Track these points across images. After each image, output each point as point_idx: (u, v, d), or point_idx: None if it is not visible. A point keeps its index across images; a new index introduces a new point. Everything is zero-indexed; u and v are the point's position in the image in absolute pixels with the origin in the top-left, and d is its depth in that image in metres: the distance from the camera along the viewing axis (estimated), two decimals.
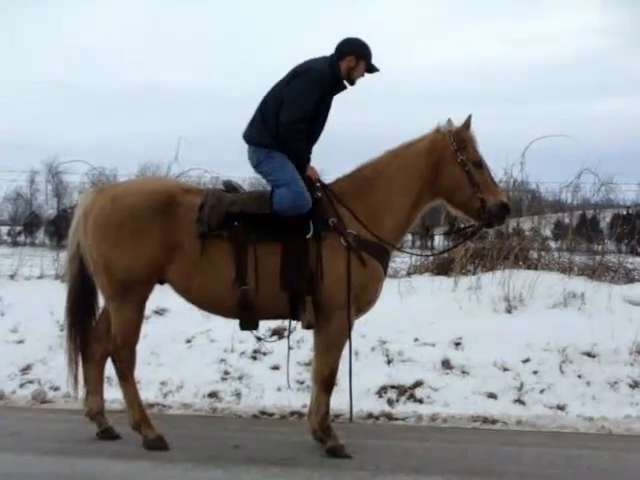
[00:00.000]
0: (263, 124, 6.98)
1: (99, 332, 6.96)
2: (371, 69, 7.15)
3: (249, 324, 6.71)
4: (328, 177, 7.19)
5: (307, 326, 6.52)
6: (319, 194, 6.74)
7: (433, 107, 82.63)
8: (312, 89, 6.88)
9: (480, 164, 6.84)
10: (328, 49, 7.14)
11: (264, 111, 7.03)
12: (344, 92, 7.20)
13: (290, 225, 6.55)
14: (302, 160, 6.93)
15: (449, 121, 6.96)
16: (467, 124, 6.85)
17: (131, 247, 6.50)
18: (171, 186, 6.95)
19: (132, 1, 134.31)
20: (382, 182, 6.82)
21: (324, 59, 7.10)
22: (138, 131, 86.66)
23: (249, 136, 7.08)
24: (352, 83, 7.15)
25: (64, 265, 8.67)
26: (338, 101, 7.12)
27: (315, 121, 7.04)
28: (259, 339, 7.44)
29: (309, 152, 7.08)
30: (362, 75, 7.15)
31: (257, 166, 7.06)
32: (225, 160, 14.89)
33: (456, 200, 6.91)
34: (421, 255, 12.72)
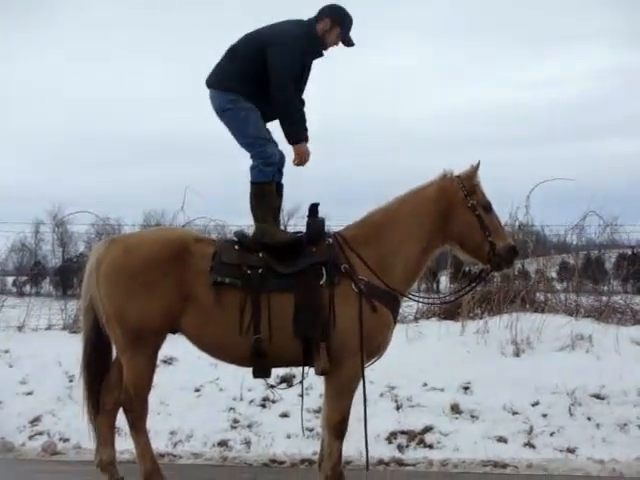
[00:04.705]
0: (230, 63, 7.04)
1: (110, 382, 6.91)
2: (345, 40, 7.15)
3: (262, 372, 6.67)
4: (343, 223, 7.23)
5: (321, 372, 6.51)
6: (330, 240, 6.77)
7: (435, 152, 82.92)
8: (291, 55, 6.88)
9: (489, 208, 6.88)
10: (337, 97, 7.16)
11: (232, 53, 7.09)
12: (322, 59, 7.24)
13: (303, 272, 6.57)
14: (298, 126, 6.96)
15: (449, 170, 6.99)
16: (475, 169, 6.90)
17: (144, 298, 6.49)
18: (183, 236, 6.97)
19: (131, 55, 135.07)
20: (392, 228, 6.81)
21: (301, 23, 7.10)
22: (139, 180, 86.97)
23: (212, 80, 7.13)
24: (324, 48, 7.17)
25: (79, 318, 8.70)
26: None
27: (296, 85, 7.06)
28: (272, 387, 7.42)
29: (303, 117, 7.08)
30: (335, 44, 7.15)
31: (221, 113, 7.10)
32: (227, 208, 15.00)
33: (467, 244, 6.90)
34: (432, 304, 12.67)
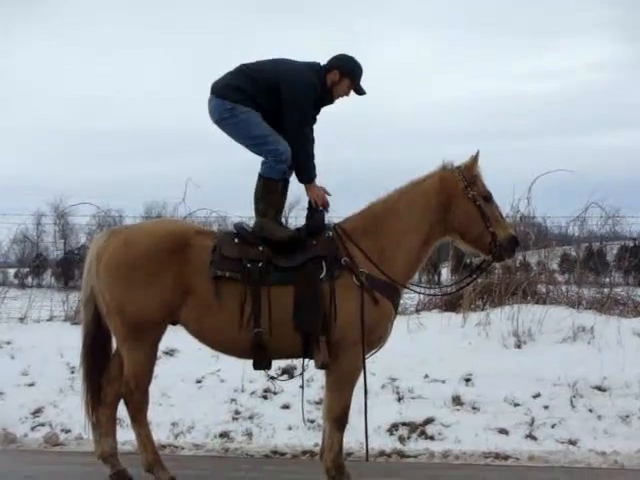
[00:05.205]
0: (240, 81, 6.97)
1: (111, 374, 6.90)
2: (357, 90, 7.11)
3: (262, 364, 6.68)
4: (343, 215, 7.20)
5: (321, 366, 6.50)
6: (330, 233, 6.76)
7: (436, 143, 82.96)
8: (308, 99, 6.87)
9: (489, 198, 6.85)
10: None
11: (244, 74, 7.02)
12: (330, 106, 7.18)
13: (304, 266, 6.55)
14: (310, 167, 6.96)
15: (449, 161, 6.96)
16: (475, 159, 6.88)
17: (144, 289, 6.50)
18: (184, 228, 6.97)
19: (132, 50, 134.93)
20: (392, 220, 6.79)
21: (315, 68, 7.05)
22: (140, 172, 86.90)
23: (218, 87, 7.06)
24: (333, 98, 7.13)
25: (80, 310, 8.71)
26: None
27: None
28: (272, 378, 7.43)
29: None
30: (345, 94, 7.11)
31: (219, 121, 7.07)
32: (228, 199, 15.01)
33: (468, 235, 6.87)
34: (433, 295, 12.70)
